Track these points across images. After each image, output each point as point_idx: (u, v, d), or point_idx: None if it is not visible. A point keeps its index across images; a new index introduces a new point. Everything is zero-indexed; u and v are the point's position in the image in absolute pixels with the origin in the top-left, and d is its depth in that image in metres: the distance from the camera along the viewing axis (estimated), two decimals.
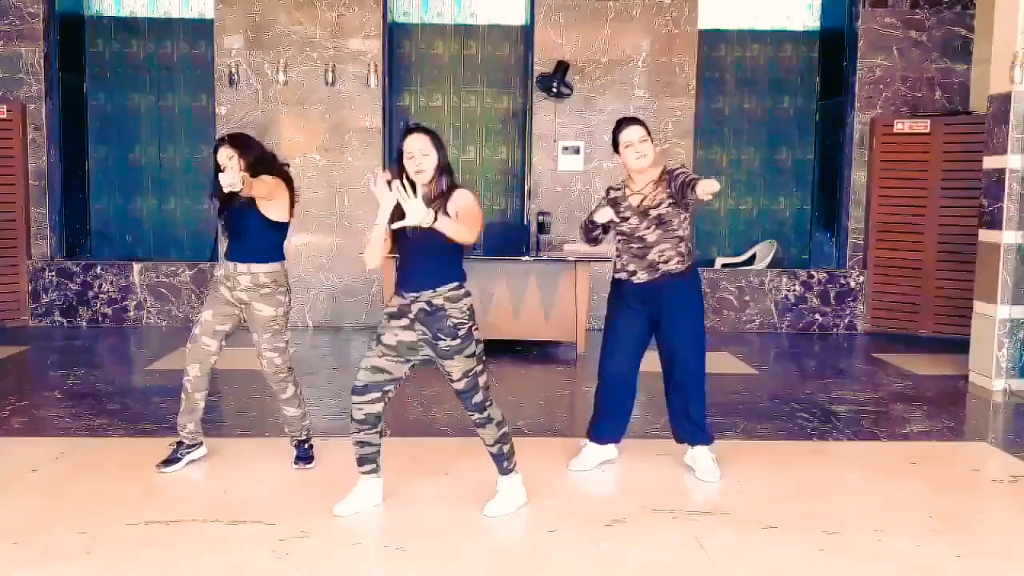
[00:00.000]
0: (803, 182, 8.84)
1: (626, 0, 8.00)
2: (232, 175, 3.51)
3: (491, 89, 8.59)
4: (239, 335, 4.07)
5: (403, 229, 3.23)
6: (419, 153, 3.28)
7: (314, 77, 7.93)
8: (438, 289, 3.31)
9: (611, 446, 4.15)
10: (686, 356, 3.94)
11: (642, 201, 3.88)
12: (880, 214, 8.08)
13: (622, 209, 3.90)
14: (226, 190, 3.50)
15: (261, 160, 3.93)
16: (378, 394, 3.42)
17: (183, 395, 4.01)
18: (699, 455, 4.04)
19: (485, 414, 3.45)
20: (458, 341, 3.32)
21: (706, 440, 4.05)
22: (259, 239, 3.90)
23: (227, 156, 3.88)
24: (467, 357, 3.36)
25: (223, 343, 4.01)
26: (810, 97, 8.75)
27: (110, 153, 8.62)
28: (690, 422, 4.02)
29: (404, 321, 3.37)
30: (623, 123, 3.90)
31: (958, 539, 3.36)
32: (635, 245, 3.89)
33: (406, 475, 3.93)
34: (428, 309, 3.32)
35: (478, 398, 3.41)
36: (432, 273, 3.33)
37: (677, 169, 3.82)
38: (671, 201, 3.81)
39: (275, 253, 3.96)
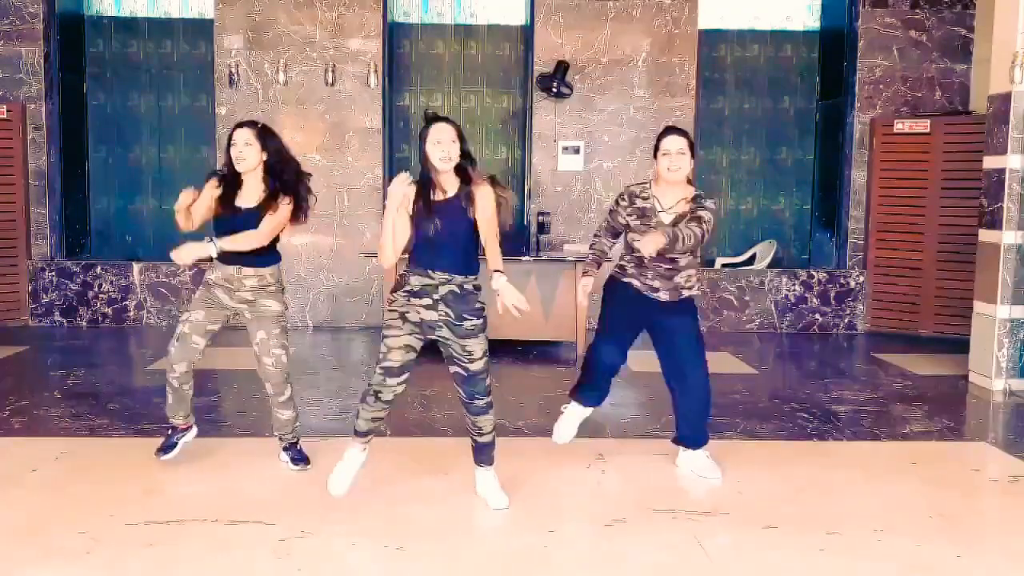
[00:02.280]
0: (803, 182, 8.84)
1: (626, 0, 8.00)
2: (193, 252, 3.74)
3: (491, 89, 8.59)
4: (236, 336, 4.07)
5: (431, 216, 3.35)
6: (449, 141, 3.36)
7: (314, 77, 7.94)
8: (469, 276, 3.45)
9: (591, 408, 4.19)
10: (696, 361, 3.93)
11: (676, 221, 3.81)
12: (880, 214, 8.08)
13: (653, 224, 3.80)
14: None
15: (279, 159, 3.85)
16: (408, 374, 3.49)
17: (169, 390, 3.99)
18: (697, 456, 4.04)
19: (490, 398, 3.53)
20: (482, 321, 3.47)
21: (705, 442, 4.06)
22: (270, 243, 3.92)
23: (245, 141, 3.79)
24: (486, 338, 3.50)
25: (209, 343, 4.00)
26: (810, 97, 8.75)
27: (110, 153, 8.62)
28: (697, 428, 4.01)
29: (428, 300, 3.40)
30: (668, 131, 3.88)
31: (958, 539, 3.36)
32: (663, 265, 3.83)
33: (406, 475, 3.93)
34: (458, 292, 3.42)
35: (488, 381, 3.51)
36: (465, 261, 3.45)
37: (705, 202, 3.83)
38: None
39: (277, 253, 4.00)
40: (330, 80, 7.87)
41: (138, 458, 4.12)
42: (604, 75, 8.03)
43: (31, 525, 3.36)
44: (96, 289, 8.02)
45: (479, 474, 3.66)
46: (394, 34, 8.40)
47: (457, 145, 3.37)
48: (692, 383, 3.94)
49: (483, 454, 3.62)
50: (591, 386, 4.11)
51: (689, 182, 3.93)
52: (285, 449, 4.10)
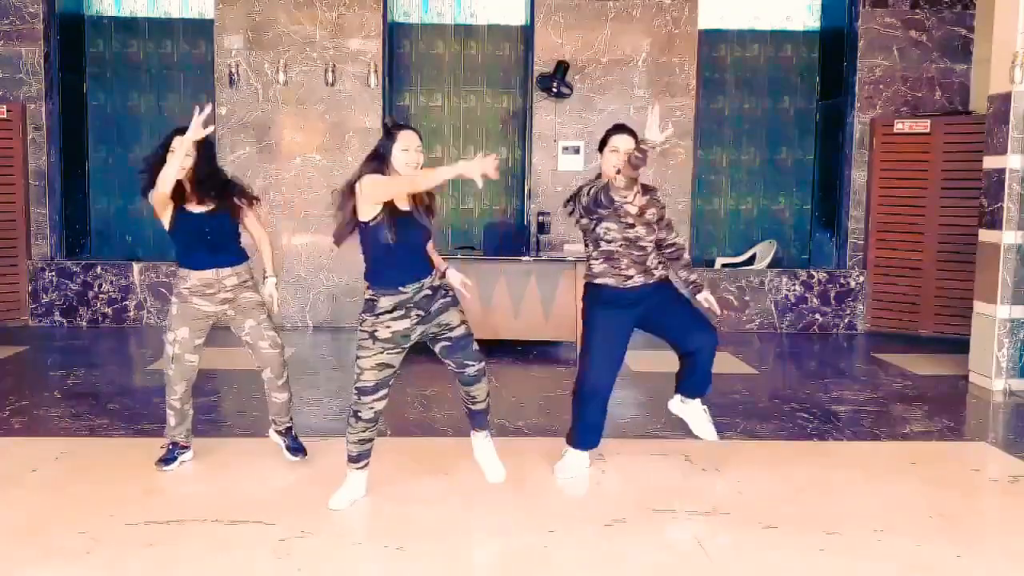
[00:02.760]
0: (803, 182, 8.84)
1: (626, 0, 8.00)
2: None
3: (491, 89, 8.59)
4: (233, 336, 4.07)
5: (405, 227, 3.37)
6: (415, 149, 3.43)
7: (314, 77, 7.94)
8: (433, 273, 3.53)
9: (588, 453, 4.10)
10: (700, 319, 3.95)
11: (643, 211, 3.90)
12: (880, 214, 8.08)
13: (621, 215, 3.84)
14: None
15: (211, 177, 3.90)
16: (385, 390, 3.50)
17: (171, 411, 4.01)
18: (697, 409, 4.08)
19: (482, 364, 3.56)
20: (451, 298, 3.54)
21: (707, 390, 4.09)
22: (238, 240, 4.00)
23: (185, 152, 3.73)
24: (460, 312, 3.56)
25: (201, 355, 4.02)
26: (810, 97, 8.75)
27: (110, 153, 8.62)
28: (705, 373, 4.00)
29: (398, 312, 3.42)
30: (618, 128, 3.94)
31: (958, 539, 3.36)
32: (636, 252, 3.87)
33: (406, 475, 3.93)
34: (431, 293, 3.47)
35: (476, 346, 3.56)
36: (425, 261, 3.53)
37: (660, 200, 4.03)
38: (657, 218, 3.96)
39: (244, 249, 4.08)
40: (330, 80, 7.87)
41: (138, 458, 4.12)
42: (604, 75, 8.03)
43: (31, 525, 3.36)
44: (96, 289, 8.02)
45: (476, 440, 3.68)
46: (394, 34, 8.40)
47: (422, 155, 3.43)
48: (704, 338, 3.93)
49: (479, 419, 3.65)
50: (592, 424, 4.00)
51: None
52: (281, 434, 4.12)
